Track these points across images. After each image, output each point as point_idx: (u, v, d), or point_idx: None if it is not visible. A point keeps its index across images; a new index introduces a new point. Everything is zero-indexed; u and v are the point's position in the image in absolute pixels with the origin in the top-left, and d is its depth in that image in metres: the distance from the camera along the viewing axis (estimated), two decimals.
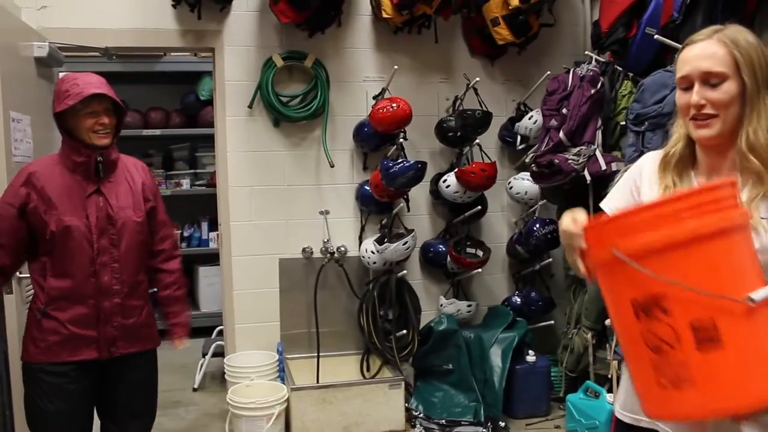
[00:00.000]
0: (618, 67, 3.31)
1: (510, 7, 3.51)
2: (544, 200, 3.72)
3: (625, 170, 1.57)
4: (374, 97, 3.74)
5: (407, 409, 3.52)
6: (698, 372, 1.11)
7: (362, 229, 3.87)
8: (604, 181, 3.10)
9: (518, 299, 3.92)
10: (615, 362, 2.88)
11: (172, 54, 5.17)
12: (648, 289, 1.13)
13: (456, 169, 3.68)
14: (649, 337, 1.15)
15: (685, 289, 1.10)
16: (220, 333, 4.15)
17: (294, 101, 3.72)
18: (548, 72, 3.71)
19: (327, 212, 3.82)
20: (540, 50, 3.99)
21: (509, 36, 3.65)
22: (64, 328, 2.14)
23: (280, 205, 3.78)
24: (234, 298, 3.75)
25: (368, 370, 3.74)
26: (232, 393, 3.33)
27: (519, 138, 3.85)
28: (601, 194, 2.83)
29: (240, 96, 3.69)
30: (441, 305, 3.87)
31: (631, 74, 3.25)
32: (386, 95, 3.67)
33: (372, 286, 3.74)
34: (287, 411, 3.32)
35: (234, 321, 3.75)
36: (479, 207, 3.75)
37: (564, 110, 3.29)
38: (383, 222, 3.82)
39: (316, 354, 3.56)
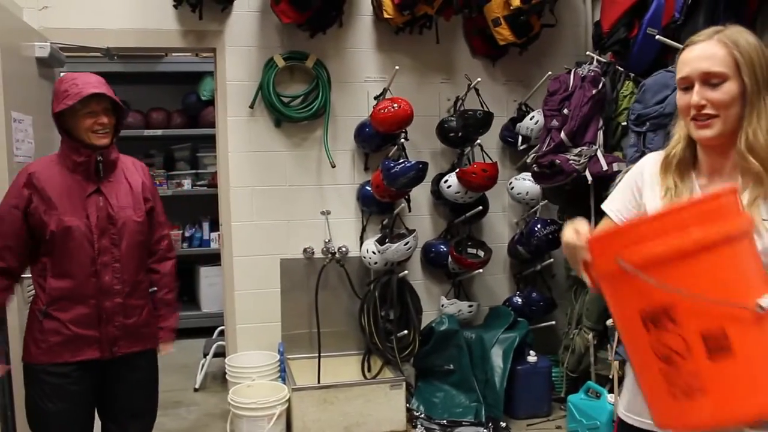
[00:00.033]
0: (619, 68, 3.30)
1: (511, 8, 3.51)
2: (546, 201, 3.72)
3: (627, 171, 1.57)
4: (375, 98, 3.74)
5: (408, 410, 3.52)
6: (710, 381, 1.11)
7: (363, 230, 3.87)
8: (605, 182, 3.10)
9: (519, 299, 3.92)
10: (616, 363, 2.88)
11: (173, 54, 5.16)
12: (656, 300, 1.13)
13: (457, 170, 3.68)
14: (659, 347, 1.14)
15: (695, 299, 1.09)
16: (221, 333, 4.15)
17: (295, 101, 3.72)
18: (549, 72, 3.71)
19: (328, 212, 3.82)
20: (541, 51, 3.99)
21: (510, 36, 3.64)
22: (66, 329, 2.14)
23: (281, 206, 3.78)
24: (235, 298, 3.75)
25: (369, 370, 3.74)
26: (233, 393, 3.33)
27: (520, 138, 3.85)
28: (602, 195, 2.85)
29: (241, 96, 3.70)
30: (442, 305, 3.87)
31: (632, 75, 3.25)
32: (387, 95, 3.67)
33: (373, 286, 3.74)
34: (288, 411, 3.32)
35: (235, 321, 3.76)
36: (480, 207, 3.75)
37: (565, 111, 3.29)
38: (384, 222, 3.82)
39: (317, 354, 3.56)
